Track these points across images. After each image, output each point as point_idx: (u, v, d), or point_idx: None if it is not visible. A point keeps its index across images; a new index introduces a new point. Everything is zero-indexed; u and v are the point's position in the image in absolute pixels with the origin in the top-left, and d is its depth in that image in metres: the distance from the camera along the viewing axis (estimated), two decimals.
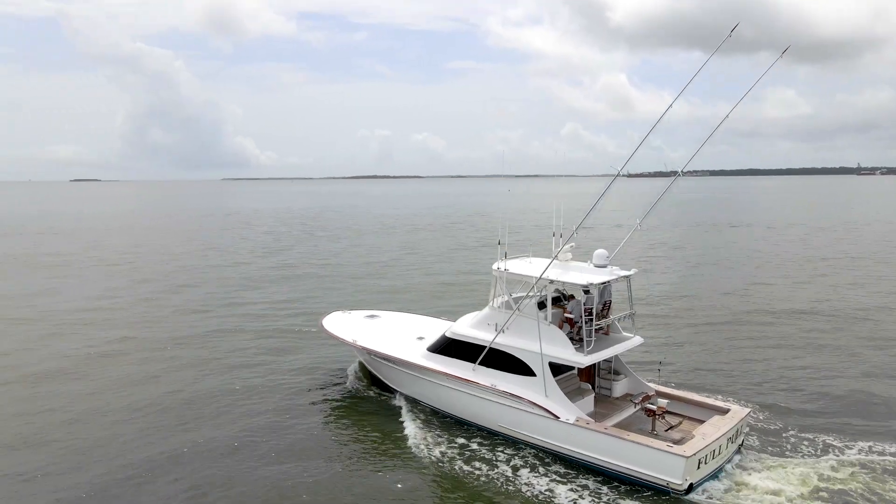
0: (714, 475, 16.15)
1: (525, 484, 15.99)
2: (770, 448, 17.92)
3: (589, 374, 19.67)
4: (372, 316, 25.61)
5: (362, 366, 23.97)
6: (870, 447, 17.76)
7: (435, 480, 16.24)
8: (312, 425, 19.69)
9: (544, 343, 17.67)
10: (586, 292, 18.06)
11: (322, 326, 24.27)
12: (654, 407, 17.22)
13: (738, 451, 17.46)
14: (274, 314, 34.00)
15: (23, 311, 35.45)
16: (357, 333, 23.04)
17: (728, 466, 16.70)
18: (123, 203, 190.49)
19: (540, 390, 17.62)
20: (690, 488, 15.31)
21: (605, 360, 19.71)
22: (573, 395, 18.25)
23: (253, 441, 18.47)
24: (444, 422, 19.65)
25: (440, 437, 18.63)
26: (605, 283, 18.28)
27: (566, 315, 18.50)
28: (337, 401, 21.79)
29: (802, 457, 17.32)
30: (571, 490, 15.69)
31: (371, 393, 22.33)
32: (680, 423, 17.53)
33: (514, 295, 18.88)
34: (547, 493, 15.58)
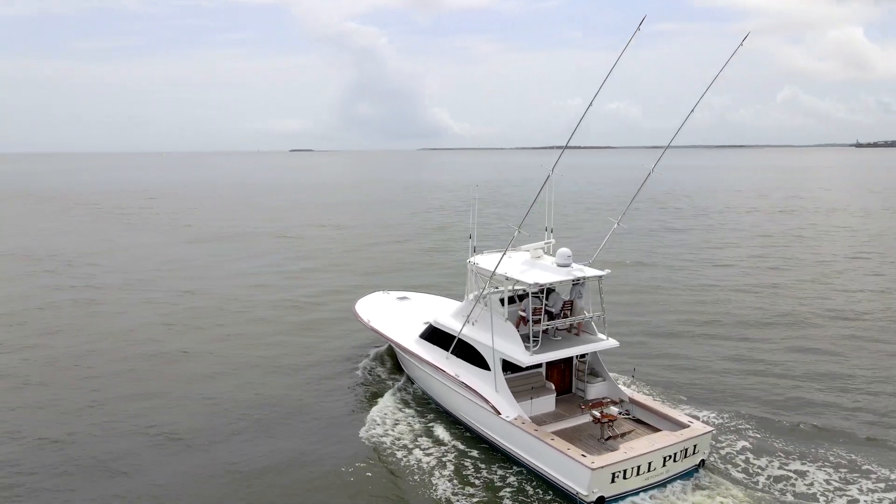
0: (642, 490, 15.43)
1: (459, 473, 16.53)
2: (732, 471, 16.53)
3: (563, 373, 19.36)
4: (403, 297, 26.92)
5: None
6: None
7: (370, 460, 17.30)
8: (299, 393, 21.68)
9: (497, 339, 17.84)
10: (536, 292, 17.78)
11: (354, 307, 26.04)
12: (597, 414, 16.71)
13: (697, 470, 16.37)
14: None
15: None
16: (375, 314, 24.55)
17: (674, 484, 15.82)
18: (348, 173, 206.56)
19: (492, 385, 17.88)
20: (601, 501, 14.86)
21: (581, 362, 19.31)
22: (535, 392, 18.24)
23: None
24: (421, 407, 20.54)
25: (407, 419, 19.60)
26: (553, 283, 17.83)
27: (520, 313, 18.39)
28: (332, 376, 23.44)
29: (761, 488, 15.78)
30: (494, 483, 16.02)
31: (374, 374, 23.60)
32: (630, 432, 16.79)
33: (485, 290, 19.07)
34: (475, 482, 16.07)
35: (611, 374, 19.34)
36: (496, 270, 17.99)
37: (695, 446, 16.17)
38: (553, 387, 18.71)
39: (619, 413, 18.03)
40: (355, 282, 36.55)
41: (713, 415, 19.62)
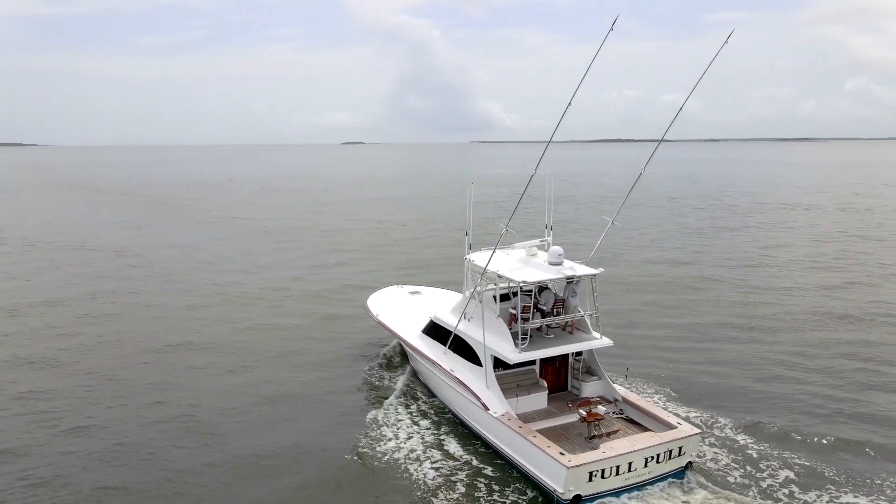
0: (624, 491, 15.46)
1: (445, 465, 16.88)
2: (721, 476, 16.35)
3: (558, 371, 19.44)
4: (415, 292, 27.33)
5: None
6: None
7: (367, 449, 17.76)
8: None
9: (488, 335, 18.08)
10: (526, 290, 17.91)
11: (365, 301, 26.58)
12: (584, 413, 16.78)
13: (684, 472, 16.27)
14: None
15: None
16: (385, 309, 25.05)
17: (658, 485, 15.80)
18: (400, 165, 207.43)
19: (482, 380, 18.13)
20: (578, 499, 14.96)
21: (576, 360, 19.36)
22: (524, 389, 18.39)
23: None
24: (419, 403, 20.94)
25: (407, 414, 20.04)
26: (542, 281, 17.91)
27: (511, 310, 18.53)
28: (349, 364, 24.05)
29: (749, 494, 15.57)
30: (478, 478, 16.32)
31: (383, 369, 24.08)
32: (616, 431, 16.79)
33: (477, 287, 19.31)
34: (459, 475, 16.41)
35: (608, 374, 19.31)
36: (487, 267, 18.21)
37: (680, 448, 16.06)
38: (545, 384, 18.79)
39: (613, 413, 18.11)
40: (386, 277, 36.94)
41: (711, 417, 19.42)
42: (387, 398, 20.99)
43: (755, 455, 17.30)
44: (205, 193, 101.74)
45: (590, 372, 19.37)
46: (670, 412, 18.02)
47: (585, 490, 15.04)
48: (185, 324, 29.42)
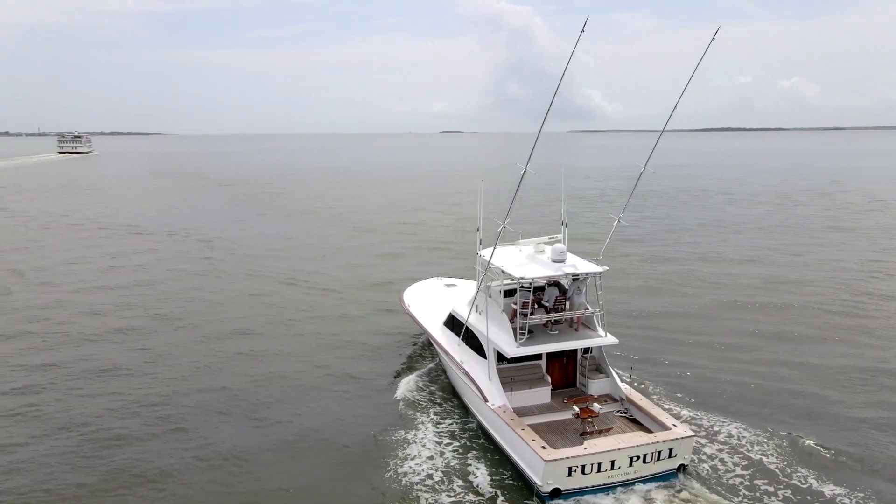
0: (608, 488, 15.62)
1: (441, 452, 17.64)
2: (716, 482, 16.13)
3: (565, 367, 19.65)
4: (451, 285, 28.06)
5: None
6: None
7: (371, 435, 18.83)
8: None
9: (491, 328, 18.63)
10: (527, 286, 18.23)
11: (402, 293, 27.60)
12: (577, 409, 17.02)
13: (676, 474, 16.22)
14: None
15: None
16: (417, 300, 25.98)
17: (645, 485, 15.84)
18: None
19: (486, 372, 18.71)
20: (557, 493, 15.30)
21: (584, 357, 19.51)
22: (529, 383, 18.78)
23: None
24: (435, 390, 21.77)
25: (426, 397, 20.97)
26: (541, 277, 18.15)
27: (513, 305, 18.91)
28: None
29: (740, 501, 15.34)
30: (472, 464, 17.03)
31: (415, 358, 25.06)
32: (609, 429, 16.91)
33: (482, 281, 19.85)
34: (453, 461, 17.18)
35: (617, 373, 19.34)
36: (492, 262, 18.72)
37: (671, 450, 15.99)
38: (549, 379, 19.09)
39: (617, 412, 18.22)
40: (448, 270, 37.48)
41: (719, 423, 19.03)
42: (406, 386, 21.92)
43: (758, 464, 16.88)
44: (298, 182, 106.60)
45: (599, 370, 19.47)
46: (671, 414, 17.88)
47: (565, 484, 15.34)
48: (250, 310, 31.55)
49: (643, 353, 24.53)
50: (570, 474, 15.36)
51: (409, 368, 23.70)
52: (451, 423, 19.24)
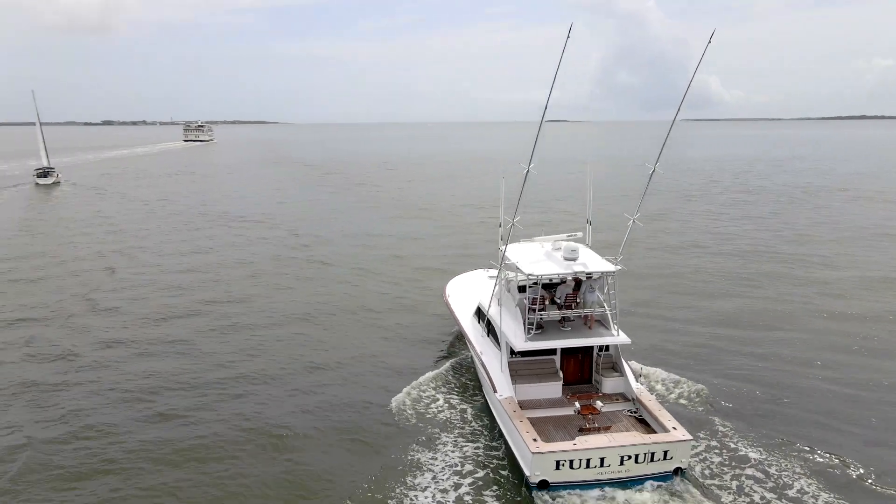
0: (598, 485, 15.95)
1: (453, 441, 18.51)
2: (713, 487, 16.06)
3: (580, 364, 19.94)
4: (494, 276, 28.70)
5: None
6: None
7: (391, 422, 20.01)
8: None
9: (505, 321, 19.31)
10: (535, 284, 18.68)
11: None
12: (578, 406, 17.41)
13: (672, 477, 16.30)
14: None
15: None
16: (457, 291, 26.90)
17: (639, 486, 16.05)
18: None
19: (498, 363, 19.42)
20: (545, 485, 15.83)
21: (599, 354, 19.74)
22: (543, 378, 19.29)
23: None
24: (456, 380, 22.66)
25: (444, 390, 21.94)
26: (549, 275, 18.50)
27: (524, 301, 19.39)
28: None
29: None
30: (479, 450, 17.86)
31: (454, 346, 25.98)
32: (608, 427, 17.17)
33: (499, 275, 20.49)
34: (463, 449, 18.04)
35: (632, 372, 19.44)
36: (510, 257, 19.35)
37: (665, 452, 16.07)
38: (561, 375, 19.47)
39: (628, 411, 18.44)
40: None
41: (729, 429, 18.76)
42: (431, 374, 22.87)
43: (762, 474, 16.59)
44: (394, 172, 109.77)
45: (614, 368, 19.64)
46: (675, 417, 17.78)
47: (553, 477, 15.85)
48: (317, 297, 33.75)
49: (694, 356, 24.42)
50: (557, 468, 15.85)
51: (444, 358, 24.75)
52: (467, 412, 20.09)
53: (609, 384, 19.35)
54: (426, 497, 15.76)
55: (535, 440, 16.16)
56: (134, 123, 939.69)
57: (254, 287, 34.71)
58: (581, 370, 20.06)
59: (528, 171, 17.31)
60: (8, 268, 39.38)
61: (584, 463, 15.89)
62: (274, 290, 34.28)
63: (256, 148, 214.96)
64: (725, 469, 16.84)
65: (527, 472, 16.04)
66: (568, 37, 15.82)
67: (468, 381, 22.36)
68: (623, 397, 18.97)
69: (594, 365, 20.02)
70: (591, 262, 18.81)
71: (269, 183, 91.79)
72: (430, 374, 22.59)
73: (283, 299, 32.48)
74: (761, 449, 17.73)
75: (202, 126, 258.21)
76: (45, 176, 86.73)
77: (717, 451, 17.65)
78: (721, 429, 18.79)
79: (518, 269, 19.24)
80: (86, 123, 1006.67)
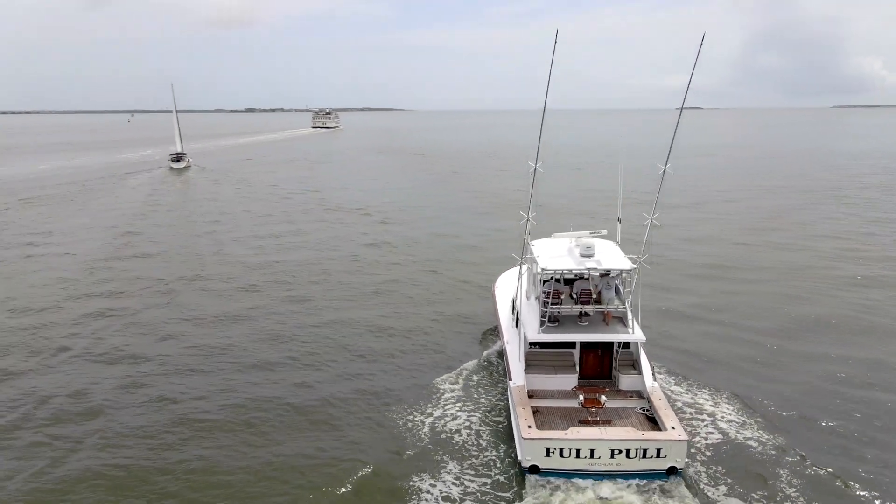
0: (590, 476, 16.33)
1: (465, 426, 19.41)
2: (708, 491, 15.96)
3: (600, 359, 20.16)
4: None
5: None
6: None
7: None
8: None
9: (524, 313, 19.97)
10: (551, 279, 19.09)
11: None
12: (582, 398, 17.83)
13: (667, 476, 16.40)
14: None
15: None
16: (505, 284, 27.58)
17: (632, 481, 16.29)
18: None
19: (517, 353, 20.16)
20: (534, 469, 16.44)
21: (618, 351, 19.90)
22: (558, 369, 19.80)
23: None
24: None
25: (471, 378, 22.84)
26: (562, 270, 18.81)
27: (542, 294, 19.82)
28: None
29: None
30: (484, 434, 18.80)
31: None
32: (609, 422, 17.43)
33: (521, 268, 21.07)
34: (470, 433, 18.97)
35: (651, 370, 19.46)
36: (533, 251, 19.93)
37: (658, 450, 16.14)
38: (577, 368, 19.80)
39: (641, 409, 18.62)
40: None
41: (739, 433, 18.39)
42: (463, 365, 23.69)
43: (762, 488, 16.21)
44: (499, 161, 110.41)
45: (634, 366, 19.73)
46: (677, 417, 17.64)
47: (543, 463, 16.40)
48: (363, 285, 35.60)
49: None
50: (548, 454, 16.38)
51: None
52: (488, 398, 20.96)
53: (626, 381, 19.47)
54: (434, 468, 17.16)
55: (529, 427, 16.80)
56: (273, 111, 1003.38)
57: (323, 279, 36.60)
58: (601, 366, 20.26)
59: (535, 169, 17.79)
60: (125, 242, 44.67)
61: (573, 453, 16.33)
62: (347, 275, 36.47)
63: (377, 135, 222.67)
64: (726, 476, 16.59)
65: (519, 457, 16.74)
66: (555, 43, 16.11)
67: (496, 370, 23.16)
68: (639, 395, 19.05)
69: (613, 361, 20.20)
70: (606, 259, 18.98)
71: (376, 171, 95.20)
72: (472, 363, 23.56)
73: (358, 282, 34.59)
74: (773, 464, 17.20)
75: (329, 113, 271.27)
76: (178, 160, 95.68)
77: (726, 456, 17.38)
78: (738, 436, 18.38)
79: (537, 262, 19.78)
80: (231, 111, 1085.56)
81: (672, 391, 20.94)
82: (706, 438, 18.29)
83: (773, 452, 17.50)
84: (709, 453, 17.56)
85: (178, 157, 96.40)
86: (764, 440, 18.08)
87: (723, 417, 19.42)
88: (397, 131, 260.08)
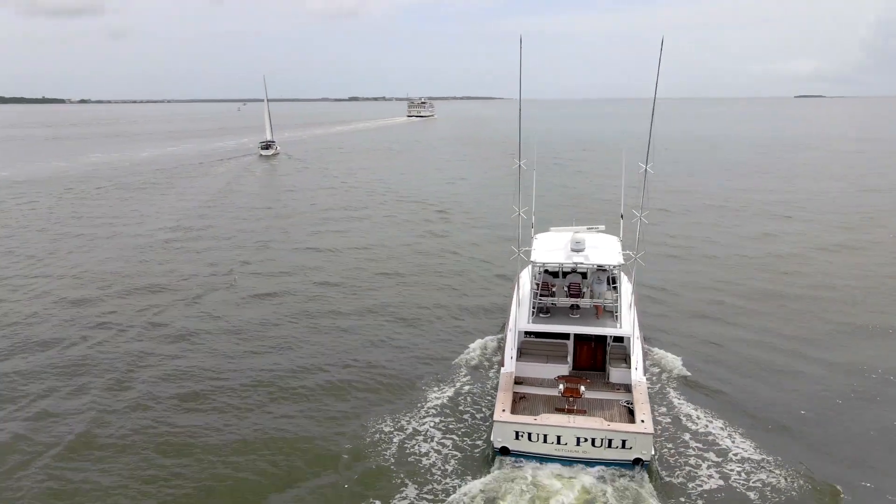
0: (558, 460, 16.86)
1: (461, 401, 20.49)
2: (676, 485, 16.11)
3: (593, 351, 20.50)
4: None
5: None
6: None
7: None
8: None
9: (521, 302, 20.66)
10: (541, 271, 19.58)
11: None
12: (561, 387, 18.37)
13: (632, 466, 16.69)
14: None
15: None
16: (526, 273, 28.16)
17: (598, 468, 16.69)
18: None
19: (513, 341, 20.88)
20: (505, 451, 17.15)
21: (616, 345, 20.21)
22: (550, 359, 20.38)
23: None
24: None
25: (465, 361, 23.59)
26: (549, 263, 19.23)
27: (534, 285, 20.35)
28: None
29: None
30: (468, 417, 19.64)
31: None
32: (583, 412, 17.86)
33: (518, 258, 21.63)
34: (456, 417, 19.81)
35: (642, 365, 19.62)
36: (532, 245, 20.52)
37: (624, 441, 16.41)
38: (569, 360, 20.25)
39: (625, 402, 18.97)
40: None
41: (725, 432, 18.28)
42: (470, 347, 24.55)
43: (736, 481, 16.17)
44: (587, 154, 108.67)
45: (623, 359, 19.99)
46: (650, 412, 17.70)
47: (512, 445, 17.05)
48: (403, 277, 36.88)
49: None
50: (517, 438, 17.00)
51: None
52: (478, 385, 21.75)
53: (616, 374, 19.73)
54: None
55: (503, 410, 17.48)
56: (375, 99, 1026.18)
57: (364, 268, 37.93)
58: (594, 357, 20.61)
59: (519, 167, 18.35)
60: (204, 224, 48.35)
61: (541, 437, 16.88)
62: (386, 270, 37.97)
63: (467, 125, 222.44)
64: (696, 471, 16.62)
65: (492, 438, 17.51)
66: (520, 48, 16.50)
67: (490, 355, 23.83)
68: (627, 388, 19.30)
69: (605, 353, 20.49)
70: (595, 254, 19.27)
71: (449, 163, 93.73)
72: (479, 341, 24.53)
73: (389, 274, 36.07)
74: (750, 463, 17.08)
75: (424, 102, 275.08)
76: (267, 148, 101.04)
77: (699, 454, 17.39)
78: (718, 435, 18.30)
79: (529, 255, 20.37)
80: (336, 100, 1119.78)
81: (672, 391, 20.83)
82: (683, 435, 18.27)
83: (749, 457, 17.31)
84: (682, 449, 17.57)
85: (266, 145, 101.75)
86: (745, 444, 17.86)
87: (716, 424, 19.22)
88: (488, 119, 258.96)
